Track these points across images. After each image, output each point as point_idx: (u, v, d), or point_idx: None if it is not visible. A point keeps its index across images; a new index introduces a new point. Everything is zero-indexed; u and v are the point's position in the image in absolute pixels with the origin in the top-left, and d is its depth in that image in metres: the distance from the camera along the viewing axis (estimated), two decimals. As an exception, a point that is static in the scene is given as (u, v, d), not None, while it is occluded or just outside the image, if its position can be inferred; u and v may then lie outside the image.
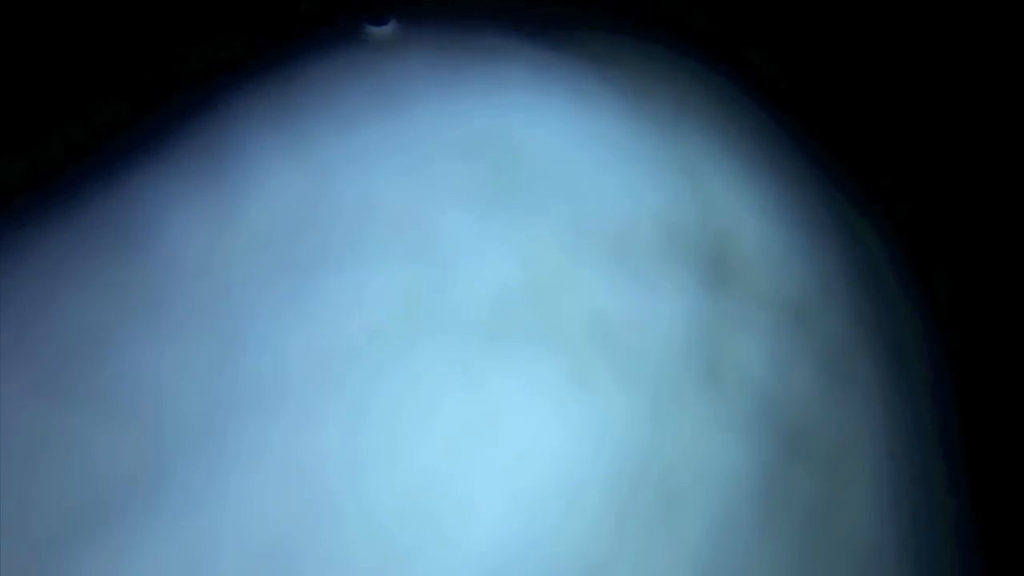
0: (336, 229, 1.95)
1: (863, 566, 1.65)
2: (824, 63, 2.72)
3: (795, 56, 2.73)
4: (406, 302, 1.85)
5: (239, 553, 1.44)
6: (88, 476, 1.46)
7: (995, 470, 1.88)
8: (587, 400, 1.77)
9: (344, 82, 2.27)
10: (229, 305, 1.74)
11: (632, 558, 1.54)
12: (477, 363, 1.77)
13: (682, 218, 2.22)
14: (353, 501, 1.52)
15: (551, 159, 2.24)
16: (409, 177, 2.09)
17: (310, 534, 1.47)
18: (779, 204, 2.34)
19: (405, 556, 1.46)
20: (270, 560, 1.44)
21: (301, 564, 1.44)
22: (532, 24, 2.61)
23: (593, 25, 2.68)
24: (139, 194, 1.89)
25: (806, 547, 1.64)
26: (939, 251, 2.32)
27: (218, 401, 1.59)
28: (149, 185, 1.91)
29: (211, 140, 2.04)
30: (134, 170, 1.93)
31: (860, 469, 1.81)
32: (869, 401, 1.94)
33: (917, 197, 2.45)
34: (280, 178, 2.00)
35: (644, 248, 2.11)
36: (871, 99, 2.66)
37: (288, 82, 2.21)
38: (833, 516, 1.71)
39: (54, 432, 1.50)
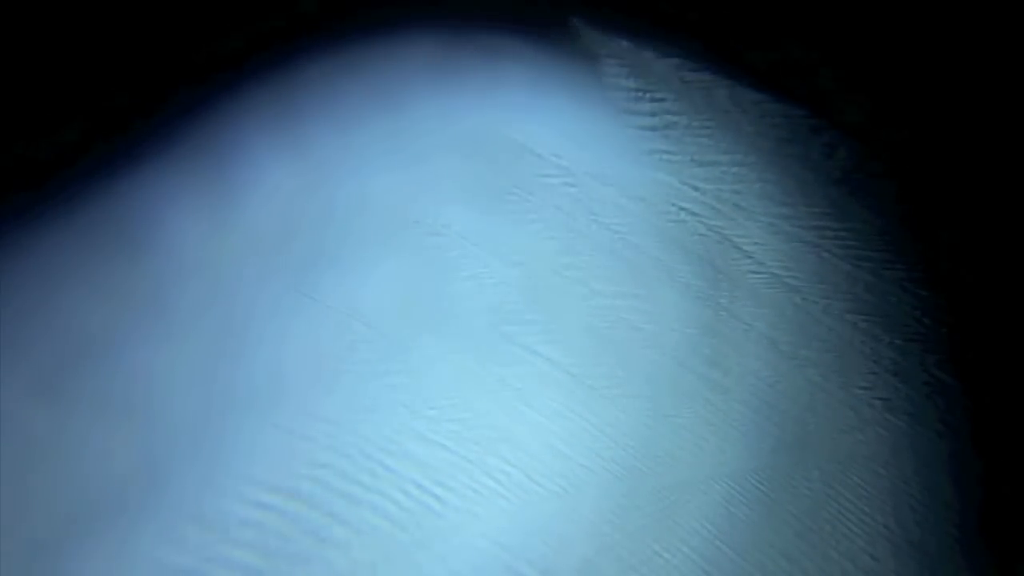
0: (333, 226, 1.95)
1: (864, 567, 1.64)
2: (825, 63, 2.72)
3: (796, 55, 2.73)
4: (404, 300, 1.85)
5: (235, 553, 1.43)
6: (83, 476, 1.46)
7: (1001, 471, 1.87)
8: (587, 400, 1.77)
9: (342, 80, 2.27)
10: (226, 303, 1.74)
11: (631, 559, 1.53)
12: (475, 362, 1.77)
13: (682, 218, 2.22)
14: (350, 501, 1.51)
15: (551, 158, 2.25)
16: (407, 174, 2.10)
17: (306, 534, 1.47)
18: (779, 204, 2.34)
19: (403, 556, 1.46)
20: (266, 560, 1.43)
21: (298, 564, 1.43)
22: (532, 24, 2.62)
23: (593, 25, 2.69)
24: (136, 192, 1.89)
25: (806, 548, 1.64)
26: (940, 249, 2.32)
27: (214, 400, 1.59)
28: (147, 183, 1.92)
29: (209, 138, 2.05)
30: (131, 168, 1.93)
31: (861, 470, 1.80)
32: (870, 401, 1.94)
33: (919, 196, 2.45)
34: (278, 176, 2.01)
35: (644, 248, 2.12)
36: (871, 97, 2.66)
37: (286, 80, 2.22)
38: (834, 517, 1.70)
39: (50, 432, 1.50)
